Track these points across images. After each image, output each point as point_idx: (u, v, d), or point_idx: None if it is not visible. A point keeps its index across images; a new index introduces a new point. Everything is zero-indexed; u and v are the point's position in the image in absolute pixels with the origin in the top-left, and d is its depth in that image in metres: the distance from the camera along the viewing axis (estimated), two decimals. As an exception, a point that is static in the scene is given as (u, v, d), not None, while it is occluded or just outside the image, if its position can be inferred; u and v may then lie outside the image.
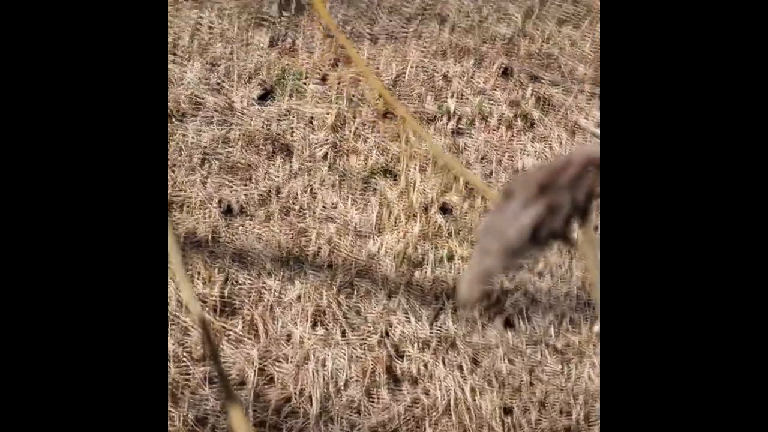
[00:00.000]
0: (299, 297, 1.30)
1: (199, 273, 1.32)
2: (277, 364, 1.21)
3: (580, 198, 0.37)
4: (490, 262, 0.37)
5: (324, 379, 1.19)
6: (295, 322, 1.26)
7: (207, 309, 1.25)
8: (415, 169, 1.57)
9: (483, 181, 1.55)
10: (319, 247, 1.41)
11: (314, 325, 1.26)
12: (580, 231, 0.38)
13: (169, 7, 1.97)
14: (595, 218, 0.38)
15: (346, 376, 1.21)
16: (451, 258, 1.41)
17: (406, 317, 1.29)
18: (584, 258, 0.38)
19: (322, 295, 1.31)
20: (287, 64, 1.85)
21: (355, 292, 1.33)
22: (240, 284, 1.32)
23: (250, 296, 1.30)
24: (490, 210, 0.38)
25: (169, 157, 1.56)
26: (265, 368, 1.20)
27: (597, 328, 1.33)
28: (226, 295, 1.29)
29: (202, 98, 1.71)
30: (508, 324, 1.28)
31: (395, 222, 1.47)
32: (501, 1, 2.11)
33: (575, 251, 0.35)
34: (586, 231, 0.38)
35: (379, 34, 1.97)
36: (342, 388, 1.20)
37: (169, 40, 1.85)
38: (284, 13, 2.01)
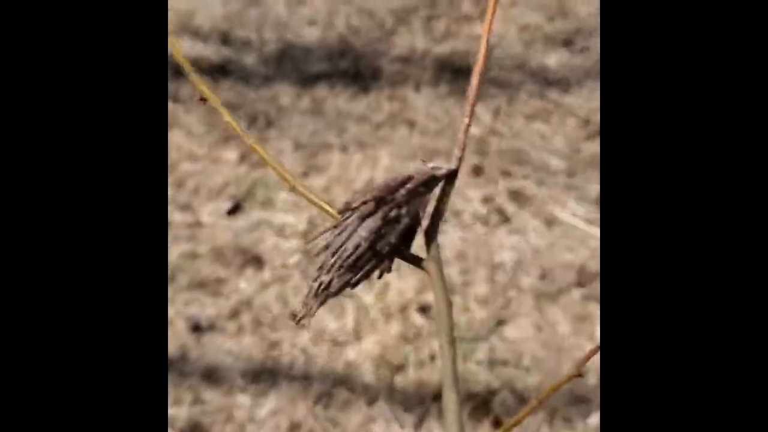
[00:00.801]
0: (273, 411, 1.22)
1: (167, 392, 1.24)
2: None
3: (417, 212, 0.38)
4: (327, 278, 0.37)
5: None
6: (269, 439, 1.18)
7: (175, 430, 1.16)
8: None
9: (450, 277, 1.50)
10: (294, 358, 1.34)
11: (288, 440, 1.18)
12: (427, 249, 0.38)
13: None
14: (438, 236, 0.38)
15: (327, 494, 1.11)
16: (433, 358, 1.34)
17: (388, 425, 1.21)
18: (429, 278, 0.39)
19: (298, 408, 1.23)
20: (257, 176, 1.83)
21: (333, 402, 1.25)
22: (209, 402, 1.24)
23: (220, 414, 1.21)
24: (329, 227, 0.39)
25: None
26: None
27: (594, 420, 1.25)
28: (195, 415, 1.21)
29: (170, 217, 1.68)
30: (497, 424, 1.20)
31: (372, 326, 1.41)
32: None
33: (421, 269, 0.34)
34: (431, 249, 0.38)
35: (348, 143, 1.97)
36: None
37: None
38: (252, 129, 2.02)
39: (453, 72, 2.22)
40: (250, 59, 2.19)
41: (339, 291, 0.37)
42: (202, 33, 2.23)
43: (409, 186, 0.38)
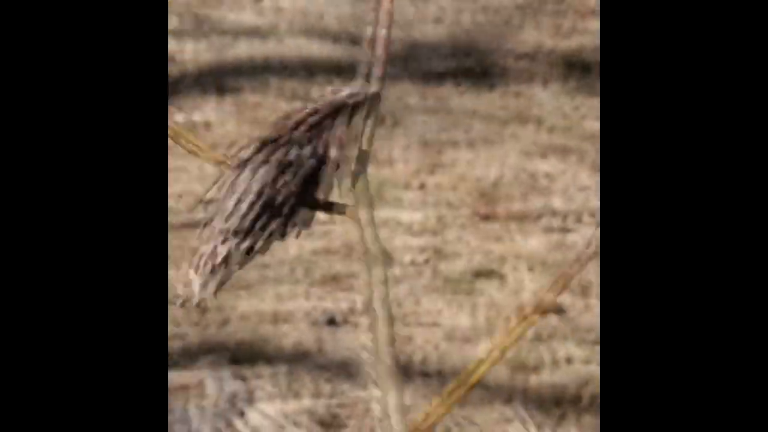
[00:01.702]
0: (408, 407, 1.23)
1: (305, 385, 1.27)
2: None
3: (323, 151, 0.31)
4: (224, 248, 0.30)
5: (440, 496, 1.10)
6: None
7: (314, 422, 1.19)
8: (522, 269, 1.50)
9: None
10: (427, 354, 1.34)
11: (426, 437, 1.18)
12: (352, 191, 0.32)
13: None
14: (364, 173, 0.32)
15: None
16: (569, 361, 1.31)
17: (524, 425, 1.19)
18: (357, 226, 0.32)
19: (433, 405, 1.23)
20: (385, 175, 1.85)
21: (468, 400, 1.25)
22: (346, 396, 1.26)
23: (357, 408, 1.23)
24: (220, 187, 0.31)
25: (272, 271, 1.55)
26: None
27: None
28: (333, 407, 1.24)
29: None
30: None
31: (505, 325, 1.39)
32: (595, 98, 2.08)
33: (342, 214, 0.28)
34: (356, 191, 0.32)
35: (475, 140, 1.96)
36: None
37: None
38: (380, 128, 2.05)
39: (581, 68, 2.17)
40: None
41: (243, 262, 0.31)
42: (331, 33, 2.27)
43: (310, 120, 0.31)
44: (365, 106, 0.33)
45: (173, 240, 1.64)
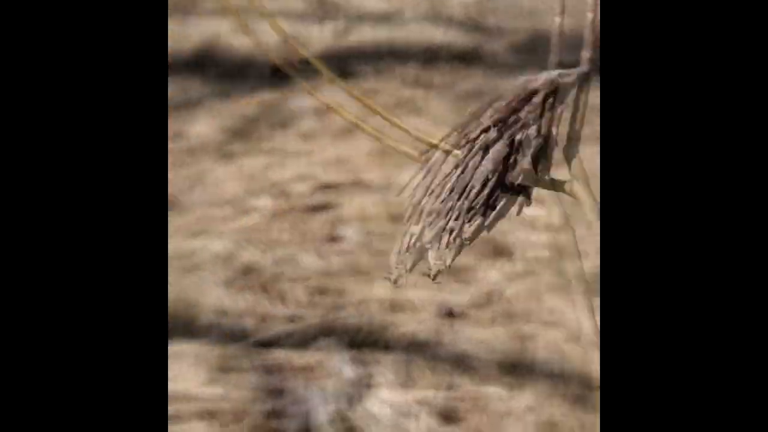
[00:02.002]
0: (530, 407, 1.19)
1: (421, 375, 1.26)
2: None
3: (548, 131, 0.31)
4: (457, 224, 0.31)
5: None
6: (527, 435, 1.15)
7: (432, 414, 1.17)
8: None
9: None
10: (549, 354, 1.30)
11: (547, 439, 1.14)
12: (570, 171, 0.32)
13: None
14: (577, 153, 0.32)
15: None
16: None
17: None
18: (577, 201, 0.32)
19: (555, 406, 1.19)
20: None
21: (591, 406, 1.20)
22: (464, 390, 1.23)
23: (475, 403, 1.21)
24: (451, 166, 0.32)
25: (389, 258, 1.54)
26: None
27: None
28: (449, 400, 1.21)
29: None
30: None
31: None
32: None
33: (564, 193, 0.28)
34: (572, 168, 0.32)
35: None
36: None
37: (388, 146, 1.88)
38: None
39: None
40: (499, 47, 2.17)
41: (474, 237, 0.33)
42: (455, 20, 2.24)
43: (535, 100, 0.32)
44: (578, 86, 0.33)
45: (296, 223, 1.65)
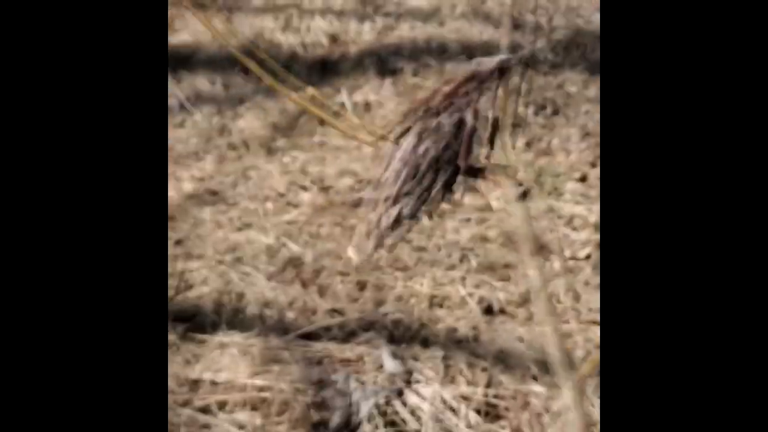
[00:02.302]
0: (568, 406, 1.20)
1: (461, 372, 1.27)
2: (545, 477, 1.11)
3: (460, 118, 0.31)
4: (377, 214, 0.31)
5: (600, 500, 1.07)
6: (566, 433, 1.16)
7: (470, 410, 1.19)
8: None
9: None
10: (588, 353, 1.31)
11: (587, 437, 1.15)
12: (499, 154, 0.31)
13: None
14: (511, 137, 0.31)
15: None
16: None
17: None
18: (494, 182, 0.32)
19: (592, 407, 1.20)
20: (544, 165, 1.81)
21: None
22: (504, 387, 1.25)
23: (515, 401, 1.22)
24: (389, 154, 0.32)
25: (428, 254, 1.56)
26: (535, 481, 1.10)
27: None
28: (490, 397, 1.23)
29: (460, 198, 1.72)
30: None
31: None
32: None
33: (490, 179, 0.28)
34: (495, 152, 0.31)
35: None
36: None
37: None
38: (539, 115, 2.01)
39: None
40: (538, 45, 2.17)
41: (393, 227, 0.33)
42: (493, 18, 2.25)
43: (446, 91, 0.32)
44: (498, 75, 0.34)
45: (336, 218, 1.68)
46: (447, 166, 0.32)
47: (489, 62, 0.33)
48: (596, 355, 0.35)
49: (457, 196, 0.33)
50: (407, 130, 0.32)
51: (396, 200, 0.32)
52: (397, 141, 0.32)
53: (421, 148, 0.32)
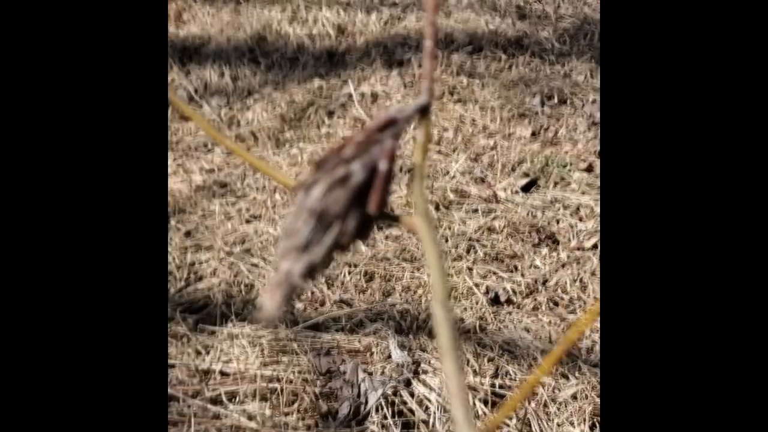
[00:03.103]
0: (575, 396, 1.21)
1: (468, 362, 1.28)
2: (551, 466, 1.13)
3: (374, 164, 0.30)
4: (287, 265, 0.30)
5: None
6: (572, 423, 1.17)
7: (478, 399, 1.20)
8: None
9: None
10: (593, 344, 1.32)
11: (593, 427, 1.16)
12: (413, 197, 0.31)
13: (435, 105, 2.05)
14: (420, 184, 0.31)
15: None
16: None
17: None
18: (411, 230, 0.31)
19: (599, 396, 1.21)
20: (550, 154, 1.82)
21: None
22: (511, 377, 1.26)
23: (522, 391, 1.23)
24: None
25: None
26: (541, 469, 1.12)
27: None
28: (497, 386, 1.24)
29: (467, 189, 1.73)
30: None
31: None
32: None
33: (402, 226, 0.28)
34: (414, 199, 0.31)
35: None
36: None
37: (435, 134, 1.90)
38: (546, 105, 2.01)
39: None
40: (545, 34, 2.16)
41: (304, 275, 0.31)
42: (500, 8, 2.24)
43: (358, 137, 0.31)
44: (414, 119, 0.33)
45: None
46: (356, 214, 0.32)
47: (405, 110, 0.33)
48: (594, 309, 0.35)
49: (372, 239, 0.33)
50: (317, 178, 0.32)
51: (305, 249, 0.31)
52: (306, 190, 0.32)
53: (330, 198, 0.31)
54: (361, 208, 0.31)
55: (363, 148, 0.32)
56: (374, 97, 2.08)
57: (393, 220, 0.32)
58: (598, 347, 1.30)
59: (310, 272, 0.31)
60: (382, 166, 0.31)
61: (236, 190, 1.75)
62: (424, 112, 0.33)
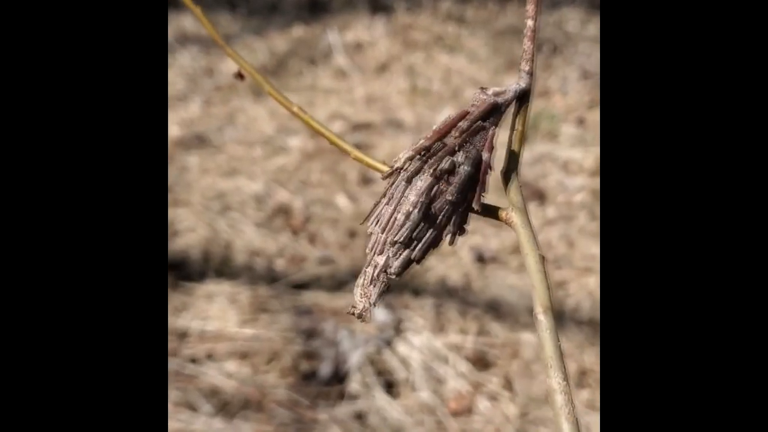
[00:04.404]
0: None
1: (451, 320, 1.26)
2: (534, 426, 1.11)
3: (478, 155, 0.29)
4: (382, 259, 0.29)
5: (589, 449, 1.07)
6: (557, 382, 1.15)
7: (462, 358, 1.18)
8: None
9: None
10: (580, 301, 1.29)
11: (577, 386, 1.15)
12: (508, 195, 0.30)
13: (422, 54, 1.99)
14: (515, 177, 0.30)
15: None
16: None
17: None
18: (513, 229, 0.30)
19: (586, 354, 1.19)
20: (541, 108, 1.77)
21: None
22: (494, 336, 1.24)
23: (505, 350, 1.21)
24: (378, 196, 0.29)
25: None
26: (525, 429, 1.10)
27: None
28: (480, 345, 1.22)
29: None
30: None
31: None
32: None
33: (499, 220, 0.26)
34: (509, 194, 0.30)
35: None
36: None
37: (422, 84, 1.85)
38: (537, 54, 1.95)
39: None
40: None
41: (400, 272, 0.30)
42: (491, -47, 2.16)
43: (462, 124, 0.29)
44: (514, 103, 0.31)
45: (326, 164, 1.64)
46: (460, 209, 0.30)
47: (506, 93, 0.30)
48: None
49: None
50: (420, 167, 0.29)
51: (407, 245, 0.30)
52: (409, 180, 0.29)
53: (435, 190, 0.29)
54: (464, 203, 0.30)
55: (467, 138, 0.30)
56: (358, 46, 2.01)
57: (491, 213, 0.30)
58: (583, 306, 1.28)
59: (406, 268, 0.30)
60: (486, 158, 0.30)
61: (214, 143, 1.70)
62: (523, 97, 0.30)
